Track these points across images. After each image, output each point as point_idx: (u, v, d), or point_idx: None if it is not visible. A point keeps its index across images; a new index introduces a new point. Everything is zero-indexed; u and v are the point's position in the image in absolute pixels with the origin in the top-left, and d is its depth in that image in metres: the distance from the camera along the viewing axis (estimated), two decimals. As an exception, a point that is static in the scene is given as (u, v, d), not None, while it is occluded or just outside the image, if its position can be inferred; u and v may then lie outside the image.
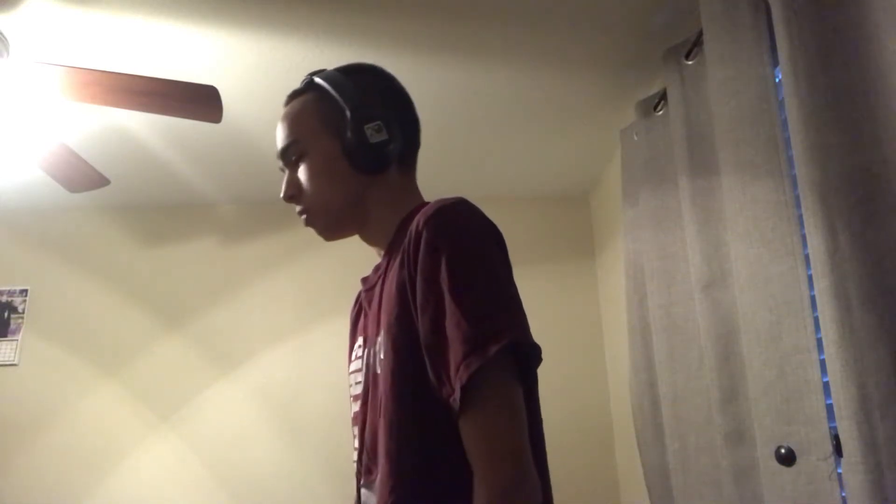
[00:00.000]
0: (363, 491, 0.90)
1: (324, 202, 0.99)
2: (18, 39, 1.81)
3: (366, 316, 1.01)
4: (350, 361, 1.05)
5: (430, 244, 0.81)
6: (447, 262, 0.80)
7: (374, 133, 0.94)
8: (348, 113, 0.94)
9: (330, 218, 1.00)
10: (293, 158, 1.00)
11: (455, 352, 0.77)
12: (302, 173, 0.99)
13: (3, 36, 1.67)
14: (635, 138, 2.03)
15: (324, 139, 0.97)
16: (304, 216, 1.01)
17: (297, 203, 1.01)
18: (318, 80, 1.00)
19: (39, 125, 2.07)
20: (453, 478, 0.77)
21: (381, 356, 0.87)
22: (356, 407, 0.97)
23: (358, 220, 1.01)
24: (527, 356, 0.80)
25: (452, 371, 0.77)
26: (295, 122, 1.00)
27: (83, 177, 2.13)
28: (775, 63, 1.34)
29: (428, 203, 0.92)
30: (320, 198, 0.98)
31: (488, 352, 0.75)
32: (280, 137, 1.01)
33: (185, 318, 2.95)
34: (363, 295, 1.04)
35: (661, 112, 1.92)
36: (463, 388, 0.75)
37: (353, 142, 0.94)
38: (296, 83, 1.05)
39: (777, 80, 1.38)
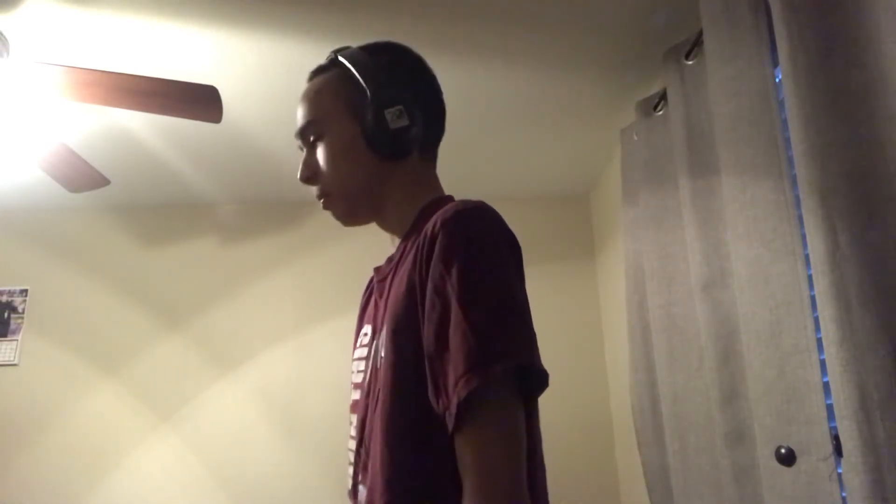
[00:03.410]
0: (360, 487, 0.87)
1: (341, 185, 0.95)
2: (18, 39, 1.81)
3: (376, 305, 0.98)
4: (355, 348, 1.02)
5: (445, 249, 0.77)
6: (459, 271, 0.75)
7: (395, 118, 0.89)
8: (369, 95, 0.90)
9: (348, 203, 0.96)
10: (311, 139, 0.96)
11: (456, 365, 0.72)
12: (320, 154, 0.95)
13: (3, 36, 1.67)
14: (635, 138, 2.03)
15: (343, 121, 0.93)
16: (321, 199, 0.97)
17: (314, 184, 0.96)
18: (341, 58, 0.95)
19: (39, 125, 2.07)
20: (446, 491, 0.74)
21: (383, 353, 0.84)
22: (356, 395, 0.94)
23: (375, 206, 0.97)
24: (531, 380, 0.75)
25: (451, 384, 0.72)
26: (314, 102, 0.96)
27: (83, 177, 2.13)
28: (775, 63, 1.34)
29: (449, 198, 0.89)
30: (337, 180, 0.94)
31: (491, 371, 0.71)
32: (299, 116, 0.97)
33: (185, 319, 2.95)
34: (375, 284, 1.01)
35: (661, 112, 1.92)
36: (459, 405, 0.71)
37: (372, 126, 0.90)
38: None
39: (777, 80, 1.38)
